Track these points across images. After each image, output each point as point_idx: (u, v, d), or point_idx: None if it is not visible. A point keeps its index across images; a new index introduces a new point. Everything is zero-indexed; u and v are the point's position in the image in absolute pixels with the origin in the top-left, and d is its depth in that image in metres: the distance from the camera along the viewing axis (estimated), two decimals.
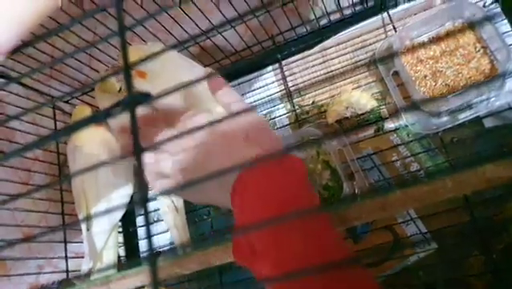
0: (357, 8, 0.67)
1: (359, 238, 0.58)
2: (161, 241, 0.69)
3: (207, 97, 0.42)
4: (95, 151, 0.66)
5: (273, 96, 0.69)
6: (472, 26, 0.59)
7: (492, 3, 0.60)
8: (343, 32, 0.66)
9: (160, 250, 0.69)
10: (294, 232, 0.30)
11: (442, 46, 0.59)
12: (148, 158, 0.40)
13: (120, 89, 0.63)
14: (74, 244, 0.68)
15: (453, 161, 0.57)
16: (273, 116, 0.68)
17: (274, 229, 0.30)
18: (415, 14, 0.64)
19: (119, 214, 0.67)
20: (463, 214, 0.54)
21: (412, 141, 0.60)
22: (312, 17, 0.68)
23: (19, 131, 0.69)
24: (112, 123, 0.50)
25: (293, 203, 0.33)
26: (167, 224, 0.66)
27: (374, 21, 0.65)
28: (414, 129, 0.59)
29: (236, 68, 0.74)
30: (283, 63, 0.70)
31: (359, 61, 0.65)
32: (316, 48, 0.68)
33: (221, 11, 0.62)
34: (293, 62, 0.69)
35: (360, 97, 0.61)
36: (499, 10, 0.60)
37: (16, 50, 0.29)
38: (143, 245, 0.70)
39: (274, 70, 0.71)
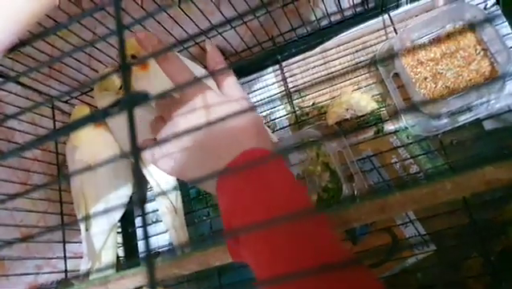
0: (358, 9, 0.67)
1: (358, 240, 0.58)
2: (160, 241, 0.69)
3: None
4: (94, 151, 0.66)
5: (273, 97, 0.69)
6: (472, 28, 0.59)
7: (493, 5, 0.60)
8: (343, 33, 0.66)
9: (160, 250, 0.68)
10: (286, 232, 0.30)
11: (443, 48, 0.59)
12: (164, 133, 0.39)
13: (121, 87, 0.63)
14: (72, 244, 0.68)
15: (452, 163, 0.57)
16: (273, 118, 0.68)
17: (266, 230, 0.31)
18: (416, 16, 0.64)
19: (119, 215, 0.67)
20: (462, 216, 0.54)
21: (411, 143, 0.59)
22: (313, 18, 0.68)
23: (18, 131, 0.69)
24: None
25: (283, 201, 0.33)
26: (166, 225, 0.66)
27: (375, 22, 0.65)
28: (414, 131, 0.59)
29: (236, 69, 0.74)
30: (283, 64, 0.69)
31: (360, 62, 0.65)
32: (317, 49, 0.68)
33: (221, 12, 0.62)
34: (293, 63, 0.69)
35: (360, 99, 0.61)
36: (500, 12, 0.60)
37: (13, 49, 0.29)
38: (142, 245, 0.70)
39: (274, 71, 0.70)
